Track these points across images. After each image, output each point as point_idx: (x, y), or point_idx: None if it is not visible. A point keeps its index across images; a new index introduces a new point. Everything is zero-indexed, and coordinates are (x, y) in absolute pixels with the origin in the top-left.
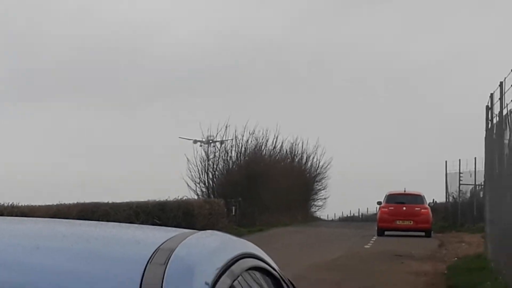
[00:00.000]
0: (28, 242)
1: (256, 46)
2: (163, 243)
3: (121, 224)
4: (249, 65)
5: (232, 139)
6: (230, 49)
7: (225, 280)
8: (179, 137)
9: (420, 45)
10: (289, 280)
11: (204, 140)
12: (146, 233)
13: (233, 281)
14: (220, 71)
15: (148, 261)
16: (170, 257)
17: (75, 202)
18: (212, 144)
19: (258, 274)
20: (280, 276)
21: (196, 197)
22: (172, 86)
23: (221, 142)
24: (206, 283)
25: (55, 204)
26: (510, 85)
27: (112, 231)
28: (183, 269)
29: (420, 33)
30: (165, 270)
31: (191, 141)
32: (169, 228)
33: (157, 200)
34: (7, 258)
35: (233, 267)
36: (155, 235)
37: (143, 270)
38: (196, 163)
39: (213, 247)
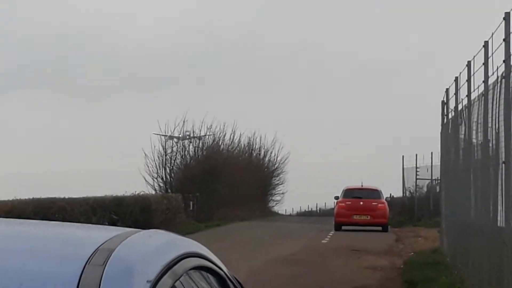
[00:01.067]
0: None
1: (215, 42)
2: (103, 243)
3: (63, 223)
4: (207, 60)
5: (210, 135)
6: (189, 44)
7: (167, 280)
8: (153, 133)
9: (377, 43)
10: (236, 279)
11: (180, 136)
12: (87, 233)
13: (175, 281)
14: (178, 66)
15: (87, 261)
16: (109, 257)
17: (31, 197)
18: (189, 140)
19: (203, 274)
20: (226, 275)
21: (153, 192)
22: (130, 80)
23: (199, 138)
24: (147, 282)
25: (10, 199)
26: (465, 80)
27: (52, 230)
28: (122, 269)
29: (378, 32)
30: (103, 271)
31: (166, 137)
32: (112, 227)
33: (114, 195)
34: None
35: (175, 267)
36: (95, 235)
37: (81, 270)
38: (154, 158)
39: (155, 246)
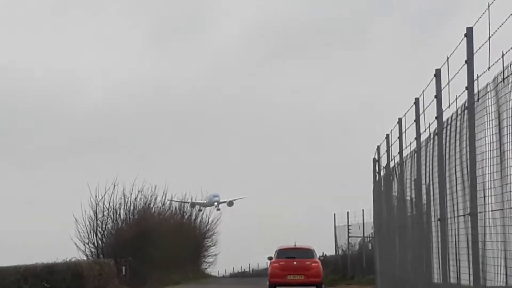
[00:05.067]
0: None
1: (142, 101)
2: None
3: None
4: (135, 122)
5: (240, 198)
6: (115, 106)
7: None
8: (170, 200)
9: (316, 99)
10: None
11: (205, 202)
12: None
13: None
14: (107, 129)
15: None
16: None
17: None
18: (218, 206)
19: None
20: None
21: (85, 258)
22: (63, 146)
23: (229, 203)
24: None
25: None
26: (396, 138)
27: None
28: None
29: (316, 87)
30: None
31: (188, 204)
32: None
33: (45, 262)
34: None
35: None
36: None
37: None
38: (85, 223)
39: None
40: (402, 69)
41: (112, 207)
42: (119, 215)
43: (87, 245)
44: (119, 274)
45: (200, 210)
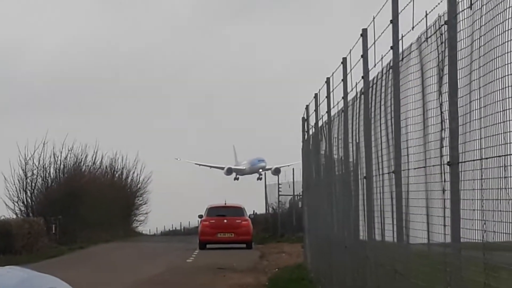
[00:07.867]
0: None
1: (76, 63)
2: None
3: None
4: (67, 82)
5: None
6: (49, 65)
7: None
8: (175, 158)
9: (254, 58)
10: None
11: (245, 168)
12: None
13: None
14: (38, 88)
15: None
16: None
17: None
18: (261, 174)
19: None
20: None
21: (14, 216)
22: None
23: (275, 171)
24: None
25: None
26: (324, 97)
27: None
28: None
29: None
30: None
31: (222, 169)
32: None
33: None
34: None
35: None
36: None
37: None
38: (14, 181)
39: (10, 286)
40: (332, 28)
41: (42, 165)
42: (49, 173)
43: (16, 204)
44: (49, 232)
45: (236, 179)
